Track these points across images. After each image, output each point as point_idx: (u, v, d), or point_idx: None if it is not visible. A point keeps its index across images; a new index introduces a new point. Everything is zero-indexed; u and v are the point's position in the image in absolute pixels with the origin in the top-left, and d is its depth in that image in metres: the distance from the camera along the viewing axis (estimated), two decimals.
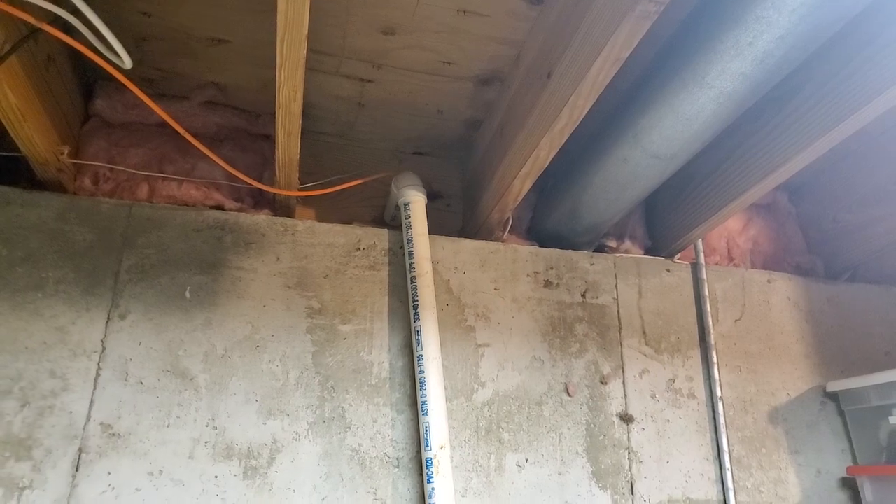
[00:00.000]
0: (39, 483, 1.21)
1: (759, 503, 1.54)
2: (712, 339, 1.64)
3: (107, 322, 1.35)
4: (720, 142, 1.49)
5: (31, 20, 1.07)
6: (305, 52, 1.07)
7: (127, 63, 1.15)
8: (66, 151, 1.40)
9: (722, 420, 1.57)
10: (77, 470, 1.23)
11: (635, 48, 1.03)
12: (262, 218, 1.53)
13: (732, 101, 1.18)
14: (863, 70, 1.20)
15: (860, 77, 1.20)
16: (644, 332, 1.64)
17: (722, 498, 1.52)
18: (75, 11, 1.10)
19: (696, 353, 1.65)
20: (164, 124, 1.48)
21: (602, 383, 1.56)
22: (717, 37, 1.11)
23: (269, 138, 1.69)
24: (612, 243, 1.79)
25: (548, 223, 1.74)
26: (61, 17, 1.10)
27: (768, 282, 1.79)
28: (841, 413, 1.65)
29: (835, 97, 1.25)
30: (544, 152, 1.30)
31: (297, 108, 1.21)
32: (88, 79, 1.58)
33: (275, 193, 1.50)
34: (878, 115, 1.21)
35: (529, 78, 1.37)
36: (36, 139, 1.29)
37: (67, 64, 1.42)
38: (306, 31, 1.03)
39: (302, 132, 1.32)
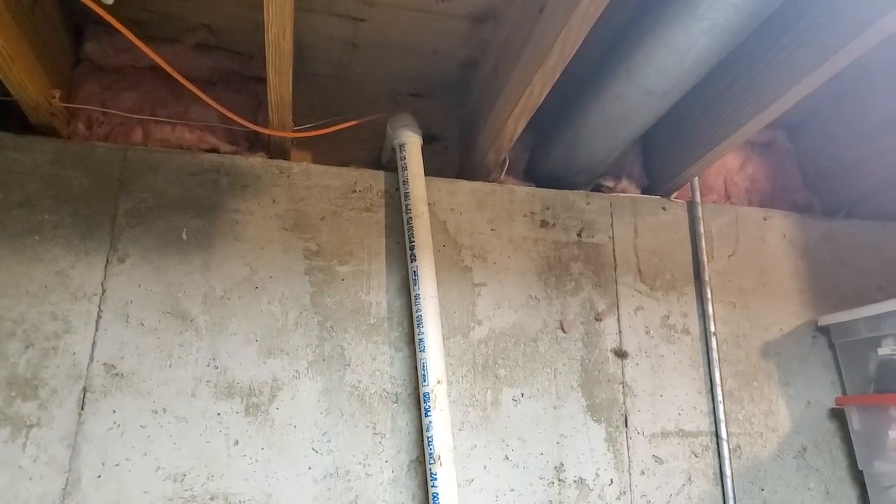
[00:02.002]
0: (46, 421, 1.24)
1: (749, 433, 1.58)
2: (707, 276, 1.66)
3: (106, 265, 1.37)
4: (714, 79, 1.47)
5: None
6: None
7: None
8: (57, 95, 1.39)
9: (715, 354, 1.59)
10: (83, 408, 1.27)
11: None
12: (257, 160, 1.53)
13: (725, 33, 1.16)
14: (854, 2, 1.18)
15: (851, 10, 1.18)
16: (639, 270, 1.65)
17: (714, 429, 1.56)
18: None
19: (690, 290, 1.67)
20: (157, 68, 1.46)
21: (597, 320, 1.58)
22: None
23: (263, 81, 1.66)
24: (609, 183, 1.78)
25: (545, 164, 1.73)
26: None
27: (764, 219, 1.79)
28: (832, 346, 1.67)
29: (828, 30, 1.23)
30: (538, 89, 1.29)
31: (287, 46, 1.20)
32: (78, 22, 1.55)
33: (269, 136, 1.50)
34: (869, 48, 1.19)
35: (523, 14, 1.35)
36: (26, 82, 1.28)
37: (54, 7, 1.40)
38: None
39: (296, 74, 1.30)
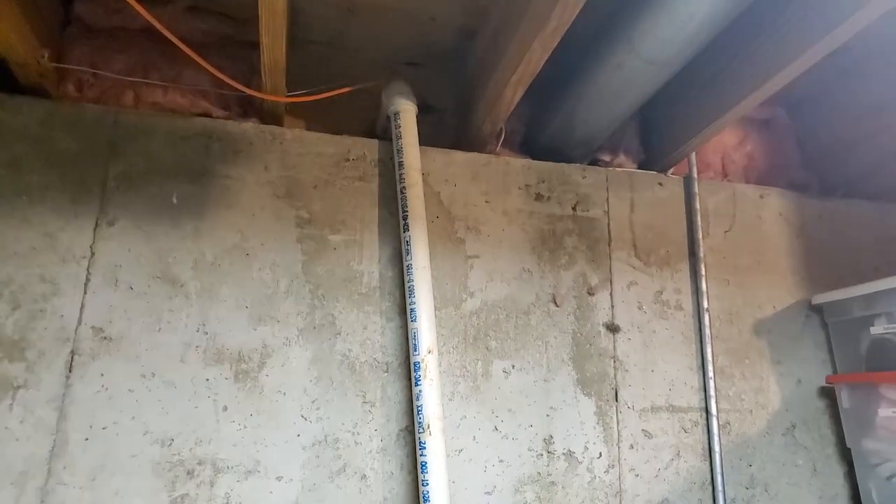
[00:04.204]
0: (34, 383, 1.24)
1: (739, 410, 1.58)
2: (702, 253, 1.65)
3: (95, 228, 1.35)
4: (715, 51, 1.45)
5: None
6: None
7: None
8: (46, 54, 1.36)
9: (708, 331, 1.59)
10: (70, 371, 1.26)
11: None
12: (249, 126, 1.51)
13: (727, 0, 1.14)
14: None
15: None
16: (634, 245, 1.64)
17: (704, 405, 1.56)
18: None
19: (685, 266, 1.66)
20: (149, 30, 1.44)
21: (589, 294, 1.57)
22: None
23: (257, 46, 1.63)
24: (607, 157, 1.77)
25: (542, 136, 1.71)
26: None
27: (761, 197, 1.78)
28: (824, 325, 1.67)
29: (820, 7, 1.21)
30: (537, 55, 1.26)
31: (281, 6, 1.17)
32: None
33: (262, 102, 1.47)
34: (871, 20, 1.17)
35: None
36: (13, 39, 1.26)
37: None
38: None
39: (291, 41, 1.28)
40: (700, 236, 1.66)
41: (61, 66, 1.46)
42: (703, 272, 1.63)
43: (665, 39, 1.25)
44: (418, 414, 1.27)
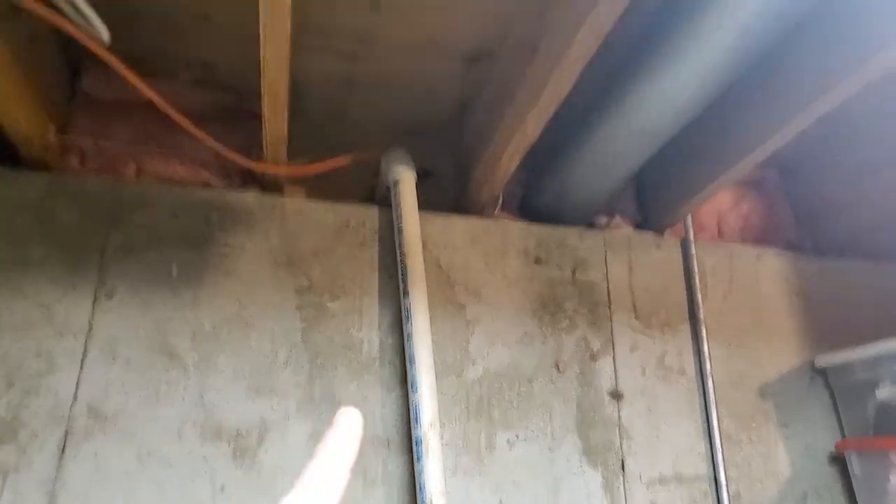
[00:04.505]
0: (25, 465, 1.20)
1: (749, 478, 1.55)
2: (702, 315, 1.64)
3: (94, 301, 1.34)
4: (706, 121, 1.48)
5: None
6: (289, 28, 1.05)
7: (105, 37, 1.13)
8: (52, 130, 1.38)
9: (712, 396, 1.57)
10: (63, 452, 1.22)
11: (620, 25, 1.02)
12: (250, 196, 1.52)
13: (714, 75, 1.18)
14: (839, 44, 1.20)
15: (836, 50, 1.20)
16: (634, 308, 1.64)
17: (712, 473, 1.53)
18: None
19: (685, 328, 1.65)
20: (152, 103, 1.45)
21: (592, 360, 1.56)
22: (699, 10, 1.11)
23: (258, 116, 1.66)
24: (603, 219, 1.78)
25: (539, 201, 1.73)
26: None
27: (757, 257, 1.78)
28: (829, 388, 1.65)
29: (811, 73, 1.25)
30: (531, 127, 1.29)
31: (283, 86, 1.19)
32: (76, 59, 1.55)
33: (263, 172, 1.49)
34: (860, 87, 1.20)
35: (516, 54, 1.35)
36: (20, 116, 1.27)
37: (52, 43, 1.40)
38: (289, 5, 1.01)
39: (292, 112, 1.30)
40: (699, 298, 1.66)
41: (65, 136, 1.48)
42: (705, 334, 1.62)
43: (655, 112, 1.28)
44: (421, 491, 1.24)
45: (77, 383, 1.27)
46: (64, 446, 1.23)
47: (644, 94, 1.27)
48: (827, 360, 1.62)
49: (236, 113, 1.68)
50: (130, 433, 1.26)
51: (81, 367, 1.28)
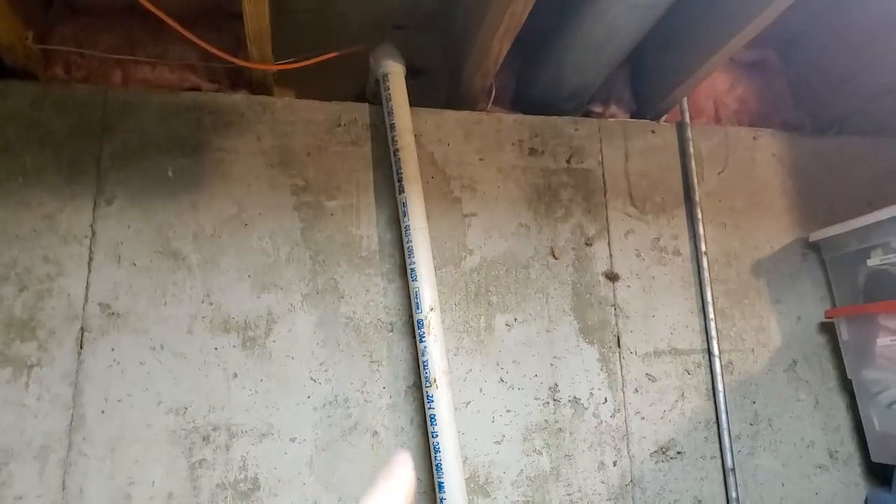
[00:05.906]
0: (47, 361, 1.26)
1: (741, 349, 1.60)
2: (697, 197, 1.66)
3: (94, 208, 1.36)
4: None
5: None
6: None
7: None
8: (30, 36, 1.36)
9: (706, 274, 1.61)
10: (81, 347, 1.28)
11: None
12: (240, 97, 1.51)
13: None
14: None
15: None
16: (630, 194, 1.65)
17: (706, 347, 1.58)
18: None
19: (681, 212, 1.67)
20: (132, 7, 1.43)
21: (587, 245, 1.59)
22: None
23: (242, 18, 1.63)
24: (598, 108, 1.76)
25: (532, 91, 1.71)
26: None
27: (753, 138, 1.78)
28: (822, 262, 1.69)
29: None
30: (520, 6, 1.26)
31: None
32: None
33: (251, 73, 1.47)
34: None
35: None
36: None
37: None
38: None
39: (277, 10, 1.27)
40: (695, 181, 1.67)
41: (47, 47, 1.47)
42: (700, 216, 1.64)
43: None
44: (424, 369, 1.30)
45: (87, 285, 1.32)
46: (81, 342, 1.29)
47: None
48: (821, 234, 1.64)
49: (220, 14, 1.64)
50: (143, 329, 1.32)
51: (89, 270, 1.32)
